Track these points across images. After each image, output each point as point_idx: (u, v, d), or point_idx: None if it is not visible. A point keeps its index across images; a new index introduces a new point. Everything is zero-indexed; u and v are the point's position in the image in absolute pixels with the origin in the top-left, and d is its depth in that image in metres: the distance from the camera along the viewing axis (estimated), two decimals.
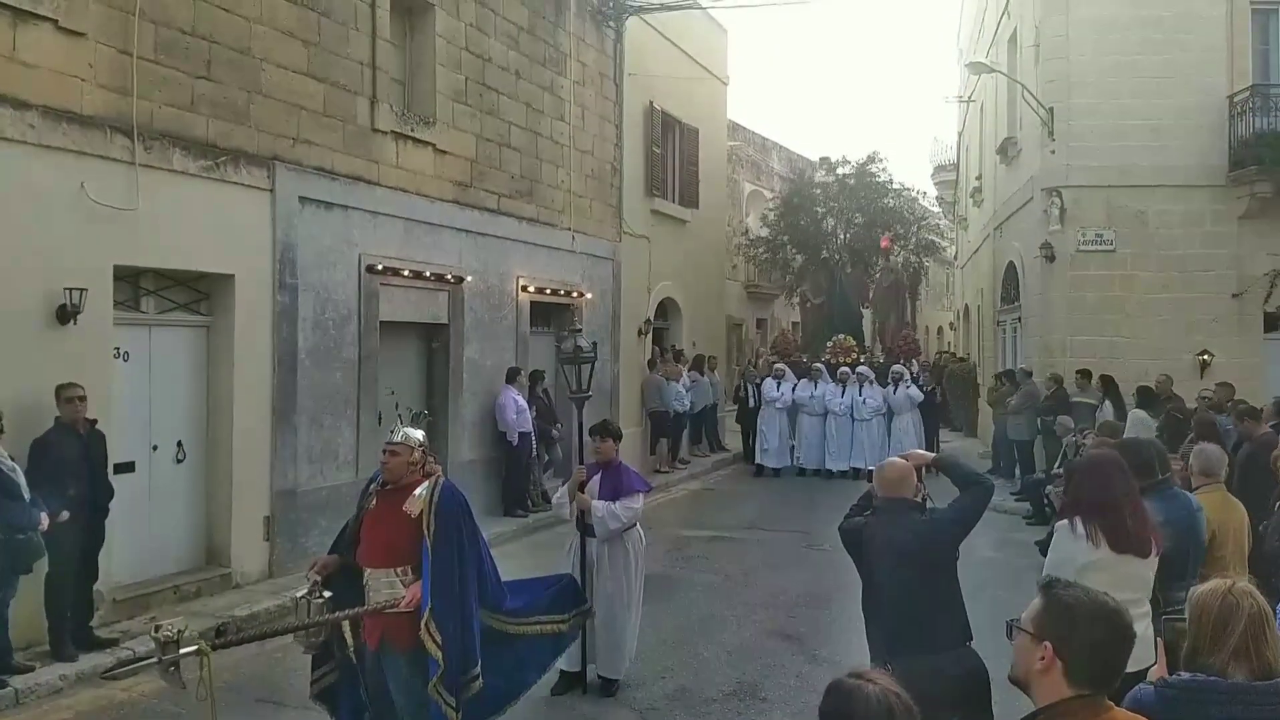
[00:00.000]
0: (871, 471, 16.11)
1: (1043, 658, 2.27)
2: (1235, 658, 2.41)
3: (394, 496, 4.54)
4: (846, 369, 16.59)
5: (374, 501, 4.63)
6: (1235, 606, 2.44)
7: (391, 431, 4.71)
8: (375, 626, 4.46)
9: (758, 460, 16.64)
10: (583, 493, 6.22)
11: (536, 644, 5.12)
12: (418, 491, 4.49)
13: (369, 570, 4.52)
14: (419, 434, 4.73)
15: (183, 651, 3.70)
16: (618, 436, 6.56)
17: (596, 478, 6.33)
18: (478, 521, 4.82)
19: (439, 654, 4.25)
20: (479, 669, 4.41)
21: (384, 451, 4.64)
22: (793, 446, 16.56)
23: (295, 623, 4.37)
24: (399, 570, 4.47)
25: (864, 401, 16.06)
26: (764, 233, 21.86)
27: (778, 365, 17.13)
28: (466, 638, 4.39)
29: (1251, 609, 2.43)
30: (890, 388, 16.27)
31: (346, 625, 4.51)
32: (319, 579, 4.47)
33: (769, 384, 16.62)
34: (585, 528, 6.24)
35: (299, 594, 4.41)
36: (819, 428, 16.29)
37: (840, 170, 21.63)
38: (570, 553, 6.40)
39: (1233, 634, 2.42)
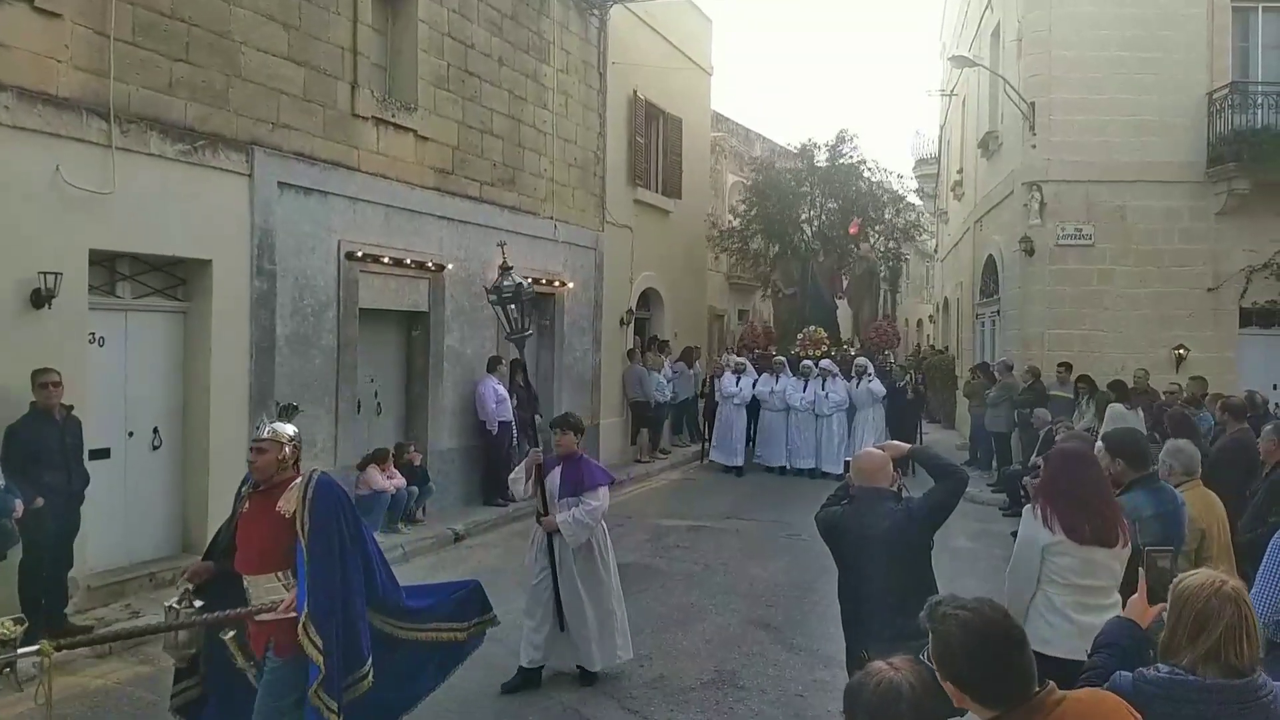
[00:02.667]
0: (831, 471, 15.61)
1: (953, 693, 2.27)
2: (1206, 659, 2.43)
3: (267, 497, 4.26)
4: (809, 362, 15.80)
5: (246, 505, 4.37)
6: (1217, 612, 2.44)
7: (258, 428, 4.47)
8: (261, 635, 4.21)
9: (711, 457, 16.04)
10: (542, 479, 6.15)
11: (429, 652, 4.76)
12: (292, 486, 4.22)
13: (248, 577, 4.27)
14: (290, 429, 4.46)
15: (20, 651, 3.45)
16: (578, 429, 6.34)
17: (557, 470, 6.17)
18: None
19: (319, 658, 3.97)
20: (368, 668, 4.17)
21: (250, 449, 4.38)
22: (751, 444, 15.94)
23: (160, 624, 4.16)
24: (279, 575, 4.22)
25: (826, 396, 15.27)
26: (735, 223, 20.79)
27: (739, 359, 16.46)
28: (351, 638, 4.12)
29: (1232, 617, 2.43)
30: (854, 381, 15.42)
31: (235, 647, 4.28)
32: (190, 587, 4.22)
33: (727, 379, 15.95)
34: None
35: (169, 603, 4.16)
36: (781, 424, 15.59)
37: (812, 153, 20.34)
38: (534, 546, 6.30)
39: (1209, 637, 2.43)
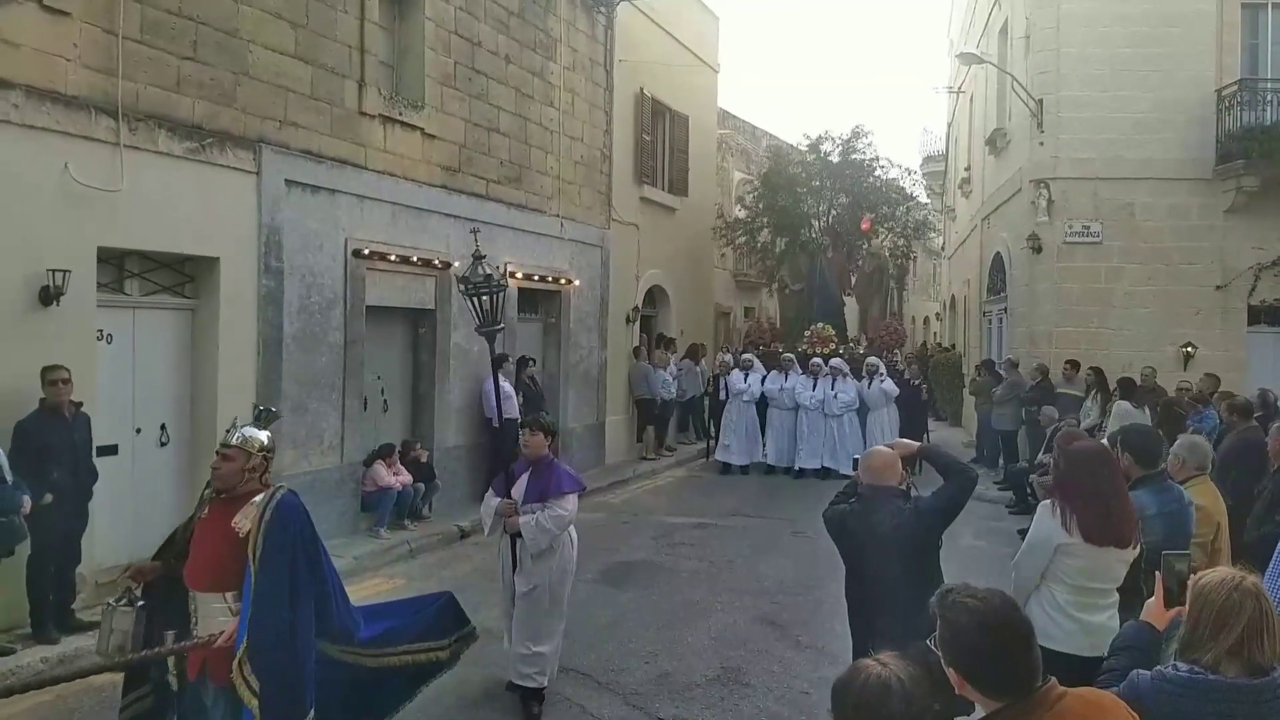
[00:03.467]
0: (841, 471, 15.07)
1: (956, 681, 2.29)
2: (1229, 656, 2.42)
3: (228, 507, 3.92)
4: (818, 360, 15.40)
5: (206, 511, 4.01)
6: (1238, 606, 2.43)
7: (228, 432, 4.10)
8: (196, 656, 3.88)
9: (718, 456, 15.65)
10: (510, 495, 5.79)
11: (399, 675, 4.42)
12: (254, 501, 3.88)
13: (195, 593, 3.92)
14: (263, 436, 4.09)
15: None
16: (549, 431, 5.97)
17: (525, 476, 5.82)
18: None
19: (253, 701, 3.62)
20: (311, 717, 3.78)
21: (217, 454, 4.05)
22: (761, 443, 15.53)
23: (100, 663, 3.89)
24: (227, 596, 3.86)
25: (835, 395, 14.92)
26: (741, 214, 20.13)
27: (745, 356, 16.16)
28: (295, 681, 3.72)
29: (1253, 611, 2.43)
30: (865, 381, 15.08)
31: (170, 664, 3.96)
32: (134, 585, 3.95)
33: (735, 375, 15.63)
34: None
35: (108, 599, 3.92)
36: (789, 423, 15.24)
37: (823, 148, 19.80)
38: (501, 556, 5.99)
39: (1231, 633, 2.42)
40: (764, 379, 15.62)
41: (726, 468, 15.40)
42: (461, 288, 6.10)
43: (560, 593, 5.88)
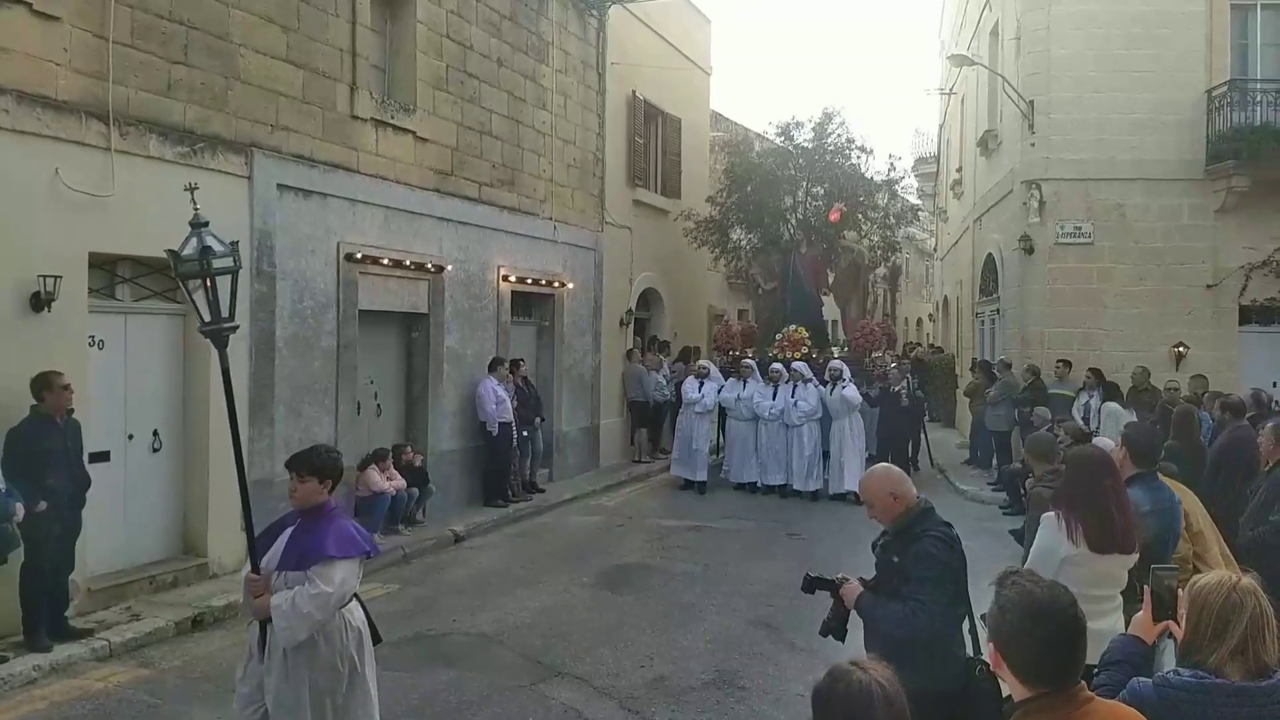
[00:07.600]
0: (803, 490, 13.41)
1: (993, 657, 2.29)
2: (1232, 657, 2.41)
3: None
4: (778, 366, 14.01)
5: None
6: (1238, 606, 2.41)
7: None
8: None
9: (672, 471, 14.45)
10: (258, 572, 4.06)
11: None
12: None
13: None
14: None
15: None
16: (324, 473, 4.13)
17: (287, 534, 4.11)
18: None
19: None
20: None
21: None
22: (720, 457, 14.75)
23: None
24: None
25: (795, 404, 13.53)
26: (713, 213, 18.61)
27: (701, 362, 15.21)
28: None
29: (1254, 610, 2.42)
30: (829, 387, 13.62)
31: None
32: None
33: (689, 384, 14.41)
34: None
35: None
36: (749, 435, 13.93)
37: (794, 133, 18.07)
38: (248, 649, 4.17)
39: (1233, 634, 2.40)
40: (720, 388, 14.36)
41: (688, 483, 14.06)
42: (173, 266, 4.17)
43: (351, 710, 4.06)
